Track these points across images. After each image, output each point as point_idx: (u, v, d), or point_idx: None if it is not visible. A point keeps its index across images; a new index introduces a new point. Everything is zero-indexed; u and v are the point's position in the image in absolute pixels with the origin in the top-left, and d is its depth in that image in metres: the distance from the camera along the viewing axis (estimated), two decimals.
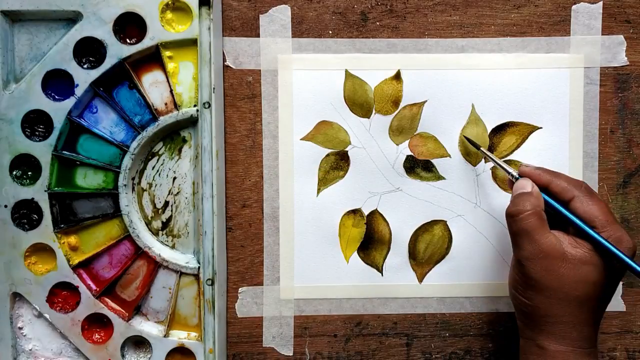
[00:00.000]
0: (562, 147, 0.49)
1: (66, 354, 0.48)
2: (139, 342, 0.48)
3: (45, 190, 0.46)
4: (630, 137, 0.49)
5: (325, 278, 0.49)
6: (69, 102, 0.46)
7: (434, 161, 0.49)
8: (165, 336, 0.47)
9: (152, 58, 0.47)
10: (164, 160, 0.48)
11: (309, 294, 0.49)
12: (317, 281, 0.49)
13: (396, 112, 0.49)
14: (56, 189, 0.47)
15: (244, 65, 0.49)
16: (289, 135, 0.49)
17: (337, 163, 0.49)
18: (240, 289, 0.49)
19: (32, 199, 0.46)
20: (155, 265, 0.48)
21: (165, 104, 0.47)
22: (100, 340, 0.48)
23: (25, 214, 0.47)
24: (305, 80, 0.49)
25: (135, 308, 0.48)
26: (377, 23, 0.49)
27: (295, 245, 0.49)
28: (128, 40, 0.46)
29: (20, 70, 0.47)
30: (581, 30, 0.49)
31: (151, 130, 0.46)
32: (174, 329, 0.48)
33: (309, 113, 0.49)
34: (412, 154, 0.49)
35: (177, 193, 0.48)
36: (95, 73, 0.46)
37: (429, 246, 0.49)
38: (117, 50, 0.45)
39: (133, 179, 0.48)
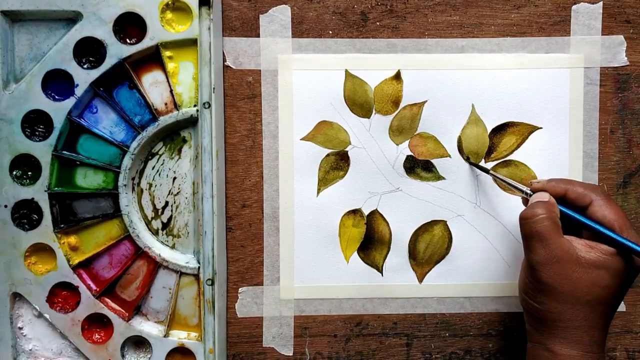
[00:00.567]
0: (562, 147, 0.49)
1: (66, 354, 0.48)
2: (139, 342, 0.48)
3: (45, 190, 0.46)
4: (630, 137, 0.49)
5: (325, 278, 0.49)
6: (69, 102, 0.46)
7: (434, 161, 0.49)
8: (165, 336, 0.47)
9: (152, 58, 0.47)
10: (164, 160, 0.48)
11: (309, 294, 0.49)
12: (317, 281, 0.49)
13: (396, 112, 0.49)
14: (56, 189, 0.47)
15: (244, 65, 0.49)
16: (289, 135, 0.49)
17: (337, 163, 0.49)
18: (240, 289, 0.49)
19: (32, 199, 0.46)
20: (155, 265, 0.48)
21: (165, 104, 0.47)
22: (100, 340, 0.48)
23: (25, 214, 0.47)
24: (305, 80, 0.49)
25: (135, 308, 0.48)
26: (377, 23, 0.49)
27: (295, 245, 0.49)
28: (128, 40, 0.46)
29: (20, 70, 0.47)
30: (581, 30, 0.49)
31: (151, 130, 0.46)
32: (174, 329, 0.48)
33: (309, 113, 0.49)
34: (412, 154, 0.49)
35: (177, 193, 0.48)
36: (95, 73, 0.46)
37: (429, 246, 0.49)
38: (117, 50, 0.45)
39: (133, 179, 0.48)
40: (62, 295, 0.48)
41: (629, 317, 0.50)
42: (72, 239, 0.47)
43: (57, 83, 0.46)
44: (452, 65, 0.49)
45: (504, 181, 0.46)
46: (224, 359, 0.48)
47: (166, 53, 0.46)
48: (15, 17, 0.46)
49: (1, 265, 0.47)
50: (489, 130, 0.49)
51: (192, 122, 0.47)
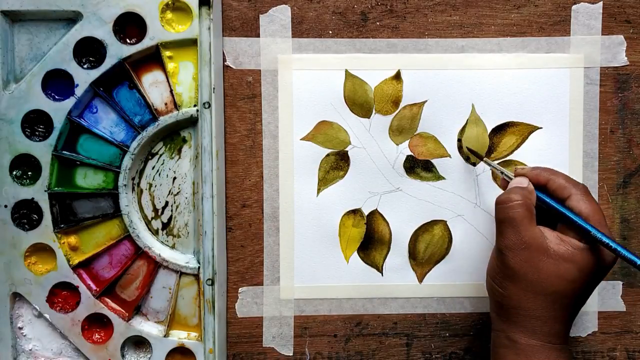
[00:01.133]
0: (562, 147, 0.49)
1: (66, 354, 0.48)
2: (139, 342, 0.48)
3: (45, 190, 0.46)
4: (630, 137, 0.49)
5: (325, 278, 0.49)
6: (69, 102, 0.46)
7: (434, 161, 0.49)
8: (165, 336, 0.47)
9: (152, 58, 0.47)
10: (164, 160, 0.48)
11: (309, 294, 0.49)
12: (317, 281, 0.49)
13: (396, 112, 0.49)
14: (56, 189, 0.47)
15: (244, 65, 0.49)
16: (289, 135, 0.49)
17: (337, 163, 0.49)
18: (240, 289, 0.49)
19: (32, 199, 0.46)
20: (155, 265, 0.48)
21: (165, 104, 0.47)
22: (100, 340, 0.48)
23: (25, 214, 0.47)
24: (305, 80, 0.49)
25: (135, 308, 0.48)
26: (377, 23, 0.49)
27: (295, 245, 0.49)
28: (128, 40, 0.46)
29: (20, 70, 0.47)
30: (581, 30, 0.49)
31: (151, 130, 0.46)
32: (174, 329, 0.48)
33: (309, 113, 0.49)
34: (412, 154, 0.49)
35: (177, 193, 0.48)
36: (95, 73, 0.46)
37: (429, 246, 0.49)
38: (117, 50, 0.45)
39: (133, 179, 0.48)
40: (62, 295, 0.48)
41: (629, 317, 0.50)
42: (72, 239, 0.47)
43: (57, 83, 0.46)
44: (452, 65, 0.49)
45: (493, 166, 0.46)
46: (224, 359, 0.48)
47: (166, 53, 0.46)
48: (15, 17, 0.46)
49: (1, 265, 0.47)
50: (489, 130, 0.49)
51: (192, 122, 0.47)
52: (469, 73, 0.49)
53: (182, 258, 0.48)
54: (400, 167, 0.49)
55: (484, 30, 0.49)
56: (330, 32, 0.49)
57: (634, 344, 0.50)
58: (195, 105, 0.47)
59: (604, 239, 0.39)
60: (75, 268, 0.47)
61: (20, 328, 0.48)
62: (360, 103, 0.49)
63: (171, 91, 0.47)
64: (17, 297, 0.47)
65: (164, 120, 0.46)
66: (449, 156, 0.49)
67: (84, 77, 0.46)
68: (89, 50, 0.46)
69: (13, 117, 0.46)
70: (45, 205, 0.46)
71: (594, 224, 0.40)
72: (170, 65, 0.46)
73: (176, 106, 0.47)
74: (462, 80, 0.49)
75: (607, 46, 0.49)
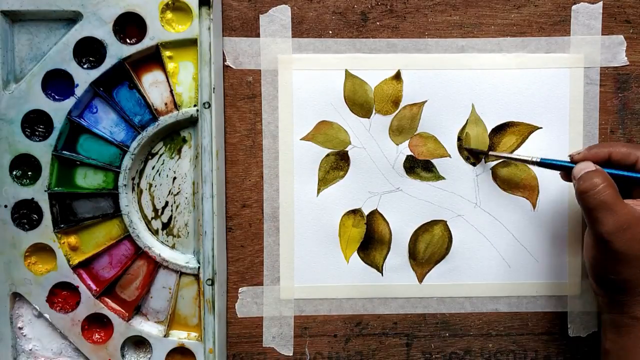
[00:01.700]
0: (562, 147, 0.49)
1: (66, 354, 0.48)
2: (139, 342, 0.48)
3: (45, 190, 0.46)
4: (630, 137, 0.49)
5: (325, 278, 0.49)
6: (69, 102, 0.46)
7: (434, 161, 0.49)
8: (165, 336, 0.47)
9: (152, 58, 0.47)
10: (164, 160, 0.48)
11: (309, 294, 0.49)
12: (317, 281, 0.49)
13: (396, 112, 0.49)
14: (56, 189, 0.47)
15: (244, 65, 0.49)
16: (289, 135, 0.49)
17: (337, 163, 0.49)
18: (240, 289, 0.49)
19: (32, 199, 0.46)
20: (155, 265, 0.48)
21: (165, 104, 0.47)
22: (100, 340, 0.48)
23: (25, 214, 0.47)
24: (305, 80, 0.49)
25: (135, 308, 0.48)
26: (377, 23, 0.49)
27: (295, 245, 0.49)
28: (128, 40, 0.46)
29: (20, 70, 0.47)
30: (581, 30, 0.49)
31: (151, 130, 0.46)
32: (174, 329, 0.48)
33: (309, 113, 0.49)
34: (412, 154, 0.49)
35: (177, 193, 0.48)
36: (95, 73, 0.46)
37: (429, 246, 0.49)
38: (117, 50, 0.45)
39: (133, 179, 0.48)
40: (62, 295, 0.48)
41: None
42: (72, 239, 0.47)
43: (57, 83, 0.46)
44: (452, 65, 0.49)
45: (507, 157, 0.46)
46: (224, 359, 0.48)
47: (166, 53, 0.46)
48: (15, 17, 0.46)
49: (1, 265, 0.47)
50: (489, 130, 0.49)
51: (192, 122, 0.47)
52: (469, 73, 0.49)
53: (182, 258, 0.48)
54: (400, 167, 0.49)
55: (484, 30, 0.49)
56: (330, 32, 0.49)
57: None
58: (195, 105, 0.47)
59: None
60: (75, 268, 0.47)
61: (20, 328, 0.48)
62: (360, 103, 0.49)
63: (171, 91, 0.47)
64: (17, 297, 0.47)
65: (164, 120, 0.46)
66: (449, 156, 0.49)
67: (84, 77, 0.46)
68: (89, 50, 0.46)
69: (13, 117, 0.46)
70: (45, 205, 0.46)
71: None
72: (170, 65, 0.46)
73: (176, 106, 0.47)
74: (462, 80, 0.49)
75: (607, 46, 0.49)
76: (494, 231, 0.49)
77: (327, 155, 0.49)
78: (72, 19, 0.46)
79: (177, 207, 0.48)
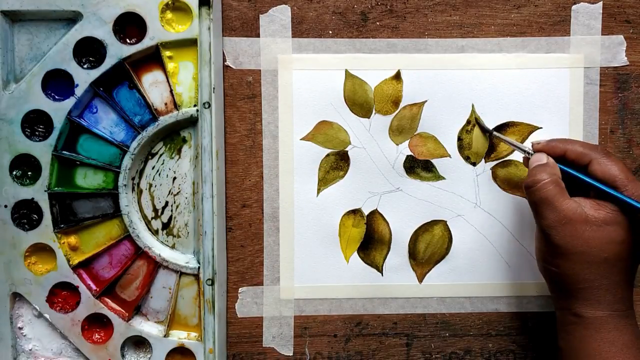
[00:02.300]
0: None
1: (66, 354, 0.48)
2: (139, 342, 0.48)
3: (45, 190, 0.46)
4: (630, 137, 0.49)
5: (325, 278, 0.49)
6: (69, 102, 0.46)
7: (434, 161, 0.49)
8: (165, 336, 0.47)
9: (152, 58, 0.47)
10: (164, 160, 0.48)
11: (309, 294, 0.49)
12: (317, 281, 0.49)
13: (396, 112, 0.49)
14: (56, 189, 0.47)
15: (244, 65, 0.49)
16: (289, 135, 0.49)
17: (337, 163, 0.49)
18: (240, 289, 0.49)
19: (32, 199, 0.46)
20: (155, 265, 0.48)
21: (165, 104, 0.47)
22: (100, 340, 0.48)
23: (25, 214, 0.47)
24: (305, 80, 0.49)
25: (135, 308, 0.48)
26: (377, 23, 0.49)
27: (295, 245, 0.49)
28: (128, 40, 0.46)
29: (20, 70, 0.47)
30: (581, 30, 0.49)
31: (151, 130, 0.46)
32: (174, 329, 0.48)
33: (309, 113, 0.49)
34: (412, 154, 0.49)
35: (177, 193, 0.48)
36: (95, 73, 0.46)
37: (429, 246, 0.49)
38: (117, 50, 0.45)
39: (133, 179, 0.48)
40: (62, 295, 0.48)
41: None
42: (72, 239, 0.47)
43: (57, 83, 0.46)
44: (452, 65, 0.49)
45: (506, 141, 0.46)
46: (224, 359, 0.48)
47: (166, 53, 0.46)
48: (15, 17, 0.46)
49: (1, 265, 0.47)
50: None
51: (192, 122, 0.47)
52: (469, 73, 0.49)
53: (182, 258, 0.48)
54: (400, 167, 0.49)
55: (484, 30, 0.49)
56: (330, 32, 0.49)
57: None
58: (195, 105, 0.47)
59: (629, 201, 0.39)
60: (75, 268, 0.47)
61: (20, 328, 0.48)
62: (360, 103, 0.49)
63: (171, 91, 0.47)
64: (17, 297, 0.47)
65: (164, 120, 0.46)
66: (449, 156, 0.49)
67: (84, 77, 0.46)
68: (89, 50, 0.46)
69: (13, 117, 0.46)
70: (45, 205, 0.46)
71: (621, 182, 0.40)
72: (170, 65, 0.46)
73: (176, 106, 0.47)
74: (462, 80, 0.49)
75: (607, 46, 0.49)
76: (494, 231, 0.49)
77: (327, 155, 0.49)
78: (72, 19, 0.46)
79: (177, 207, 0.48)
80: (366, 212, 0.49)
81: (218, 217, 0.46)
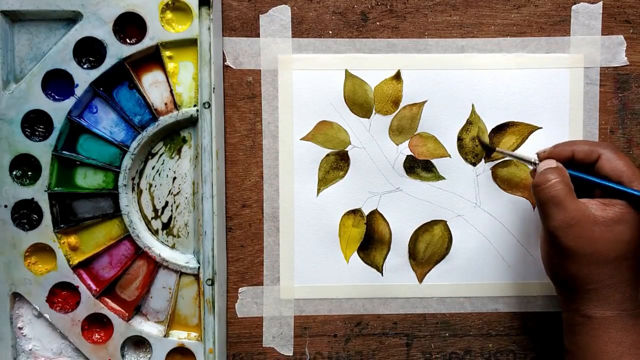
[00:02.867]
0: None
1: (66, 354, 0.48)
2: (139, 342, 0.48)
3: (45, 190, 0.46)
4: (630, 137, 0.49)
5: (325, 278, 0.49)
6: (69, 102, 0.46)
7: (434, 161, 0.49)
8: (165, 336, 0.47)
9: (152, 58, 0.47)
10: (164, 160, 0.48)
11: (309, 294, 0.49)
12: (317, 281, 0.49)
13: (396, 112, 0.49)
14: (56, 189, 0.47)
15: (244, 65, 0.49)
16: (289, 135, 0.49)
17: (337, 163, 0.49)
18: (240, 289, 0.49)
19: (32, 199, 0.46)
20: (155, 265, 0.48)
21: (165, 104, 0.47)
22: (100, 340, 0.48)
23: (25, 214, 0.47)
24: (305, 80, 0.49)
25: (135, 308, 0.48)
26: (377, 23, 0.49)
27: (295, 245, 0.49)
28: (128, 40, 0.46)
29: (20, 70, 0.47)
30: (581, 30, 0.49)
31: (151, 130, 0.46)
32: (174, 329, 0.48)
33: (309, 113, 0.49)
34: (412, 154, 0.49)
35: (177, 193, 0.48)
36: (95, 73, 0.46)
37: (429, 246, 0.49)
38: (117, 50, 0.45)
39: (133, 179, 0.48)
40: (62, 295, 0.48)
41: None
42: (72, 239, 0.47)
43: (57, 83, 0.46)
44: (452, 65, 0.49)
45: (511, 155, 0.46)
46: (224, 359, 0.48)
47: (166, 53, 0.46)
48: (15, 17, 0.46)
49: (1, 265, 0.47)
50: (489, 130, 0.49)
51: (192, 122, 0.47)
52: (469, 73, 0.49)
53: (182, 258, 0.48)
54: (400, 167, 0.49)
55: (484, 30, 0.49)
56: (330, 32, 0.49)
57: None
58: (195, 105, 0.47)
59: (637, 193, 0.39)
60: (75, 268, 0.47)
61: (20, 328, 0.48)
62: (360, 103, 0.49)
63: (171, 91, 0.47)
64: (17, 297, 0.47)
65: (164, 120, 0.46)
66: (449, 156, 0.49)
67: (84, 77, 0.46)
68: (89, 50, 0.46)
69: (13, 117, 0.46)
70: (45, 205, 0.46)
71: (627, 179, 0.40)
72: (170, 65, 0.46)
73: (176, 106, 0.47)
74: (462, 80, 0.49)
75: (607, 46, 0.49)
76: (494, 231, 0.49)
77: (327, 155, 0.49)
78: (72, 19, 0.46)
79: (177, 207, 0.48)
80: (366, 212, 0.49)
81: (218, 217, 0.46)
